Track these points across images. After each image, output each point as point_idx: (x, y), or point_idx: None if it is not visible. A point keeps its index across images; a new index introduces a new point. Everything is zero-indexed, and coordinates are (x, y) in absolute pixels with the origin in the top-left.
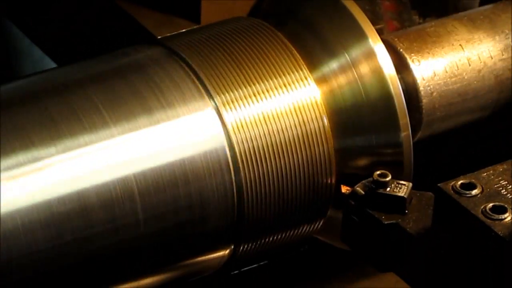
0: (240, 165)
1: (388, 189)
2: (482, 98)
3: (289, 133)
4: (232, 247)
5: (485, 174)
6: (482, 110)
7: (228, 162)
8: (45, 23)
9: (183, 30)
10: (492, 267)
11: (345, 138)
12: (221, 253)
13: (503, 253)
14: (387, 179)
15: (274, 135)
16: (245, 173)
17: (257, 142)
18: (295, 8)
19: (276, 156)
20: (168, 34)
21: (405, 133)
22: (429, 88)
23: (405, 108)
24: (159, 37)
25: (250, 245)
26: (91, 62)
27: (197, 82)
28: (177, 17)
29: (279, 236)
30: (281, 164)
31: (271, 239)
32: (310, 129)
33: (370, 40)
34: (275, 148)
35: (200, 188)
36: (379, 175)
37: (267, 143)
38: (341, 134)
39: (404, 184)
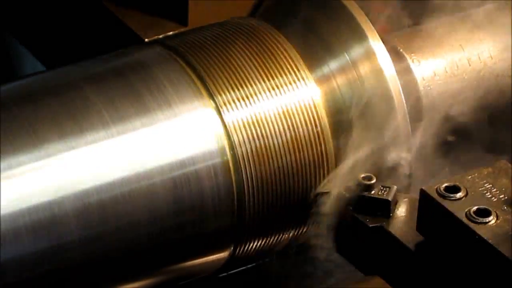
0: (240, 166)
1: (373, 192)
2: (482, 98)
3: (289, 133)
4: (232, 247)
5: (469, 177)
6: (482, 110)
7: (228, 162)
8: (33, 25)
9: (183, 30)
10: (477, 271)
11: (345, 138)
12: (221, 254)
13: (487, 257)
14: (372, 182)
15: (274, 135)
16: (245, 173)
17: (257, 142)
18: (295, 8)
19: (276, 156)
20: (168, 34)
21: (405, 133)
22: (429, 88)
23: (405, 108)
24: (159, 36)
25: (250, 245)
26: (90, 62)
27: (197, 82)
28: (165, 19)
29: (279, 236)
30: (281, 164)
31: (271, 239)
32: (310, 129)
33: (370, 40)
34: (275, 148)
35: (201, 188)
36: (364, 178)
37: (266, 143)
38: (341, 134)
39: (389, 187)
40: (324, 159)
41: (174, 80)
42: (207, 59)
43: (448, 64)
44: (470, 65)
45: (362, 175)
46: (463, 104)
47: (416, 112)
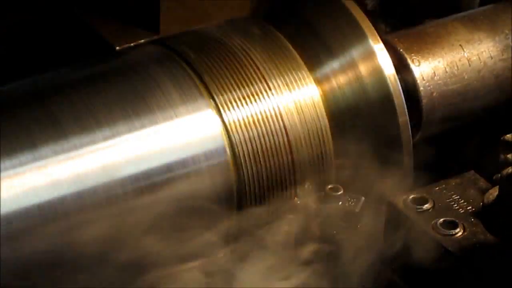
0: (241, 165)
1: (340, 203)
2: (482, 98)
3: (289, 133)
4: (232, 246)
5: (437, 188)
6: (482, 110)
7: (228, 162)
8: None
9: (184, 31)
10: (444, 282)
11: (345, 138)
12: (221, 253)
13: (454, 269)
14: (339, 193)
15: (274, 135)
16: (245, 172)
17: (257, 142)
18: (295, 8)
19: (276, 156)
20: (169, 34)
21: (405, 133)
22: (429, 88)
23: (405, 108)
24: (160, 36)
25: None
26: (91, 62)
27: (197, 82)
28: (136, 27)
29: None
30: (281, 163)
31: None
32: (310, 129)
33: (370, 40)
34: (275, 147)
35: (201, 187)
36: (331, 189)
37: (266, 143)
38: (341, 134)
39: (357, 198)
40: (324, 158)
41: (175, 80)
42: (208, 59)
43: (448, 64)
44: (470, 65)
45: (330, 186)
46: (463, 104)
47: (416, 112)
